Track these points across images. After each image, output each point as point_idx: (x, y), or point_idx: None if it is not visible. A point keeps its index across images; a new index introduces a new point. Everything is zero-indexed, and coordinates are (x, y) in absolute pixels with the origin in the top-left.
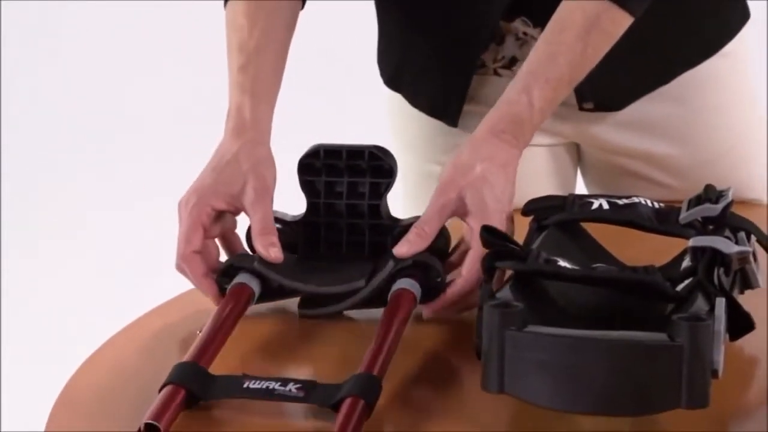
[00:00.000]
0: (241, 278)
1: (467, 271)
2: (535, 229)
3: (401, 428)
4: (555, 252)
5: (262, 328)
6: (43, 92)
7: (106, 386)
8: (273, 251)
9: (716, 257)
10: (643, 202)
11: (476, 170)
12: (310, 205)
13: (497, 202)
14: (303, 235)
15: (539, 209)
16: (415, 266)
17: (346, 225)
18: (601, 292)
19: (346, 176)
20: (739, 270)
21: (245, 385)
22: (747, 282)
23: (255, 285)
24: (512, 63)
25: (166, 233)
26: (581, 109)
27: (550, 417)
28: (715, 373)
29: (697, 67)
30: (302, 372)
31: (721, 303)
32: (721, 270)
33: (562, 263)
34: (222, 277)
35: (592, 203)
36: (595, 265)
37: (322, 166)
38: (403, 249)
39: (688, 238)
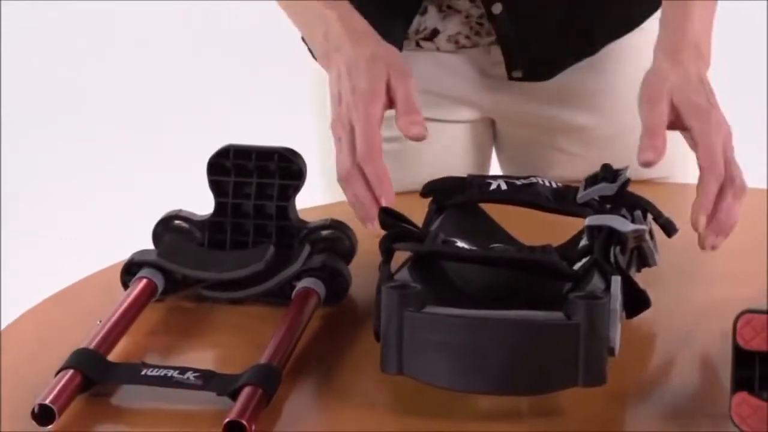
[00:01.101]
0: (143, 273)
1: (709, 161)
2: (434, 211)
3: (299, 414)
4: (454, 233)
5: (167, 316)
6: (41, 88)
7: (3, 371)
8: (414, 128)
9: (612, 236)
10: (541, 182)
11: (676, 75)
12: (218, 205)
13: (702, 97)
14: (210, 235)
15: (438, 191)
16: (323, 269)
17: (253, 226)
18: (499, 272)
19: (255, 177)
20: (635, 248)
21: (143, 373)
22: (644, 260)
23: (158, 279)
24: (434, 35)
25: None
26: (510, 78)
27: (448, 397)
28: (611, 351)
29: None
30: (205, 359)
31: (616, 281)
32: (618, 248)
33: (460, 244)
34: (125, 274)
35: (490, 184)
36: (492, 246)
37: (232, 166)
38: (649, 156)
39: (585, 217)
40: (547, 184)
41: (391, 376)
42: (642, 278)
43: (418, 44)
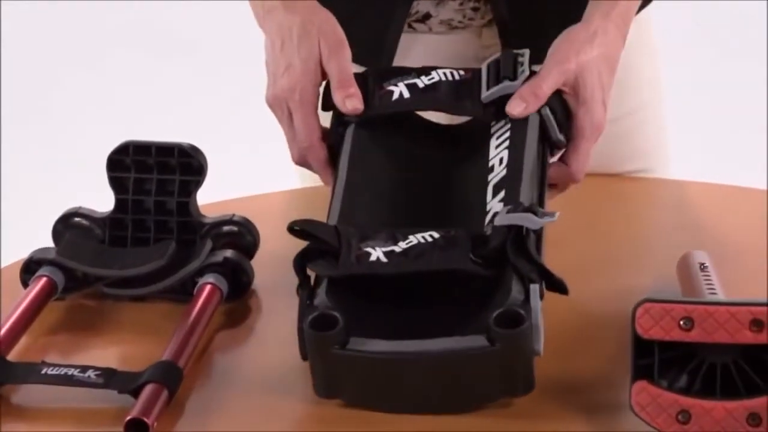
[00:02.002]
0: (43, 271)
1: (574, 164)
2: (338, 125)
3: (202, 410)
4: (365, 169)
5: (68, 314)
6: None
7: None
8: (350, 102)
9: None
10: (444, 78)
11: (594, 53)
12: (118, 202)
13: (601, 92)
14: (110, 232)
15: None
16: (225, 265)
17: (154, 222)
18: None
19: (156, 173)
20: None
21: (43, 372)
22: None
23: (58, 277)
24: (426, 17)
25: None
26: None
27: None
28: (536, 354)
29: None
30: (107, 357)
31: (535, 291)
32: (532, 237)
33: (374, 255)
34: (24, 273)
35: (392, 93)
36: (407, 244)
37: (132, 163)
38: (518, 108)
39: (489, 121)
40: (450, 77)
41: (290, 368)
42: (567, 268)
43: (410, 26)
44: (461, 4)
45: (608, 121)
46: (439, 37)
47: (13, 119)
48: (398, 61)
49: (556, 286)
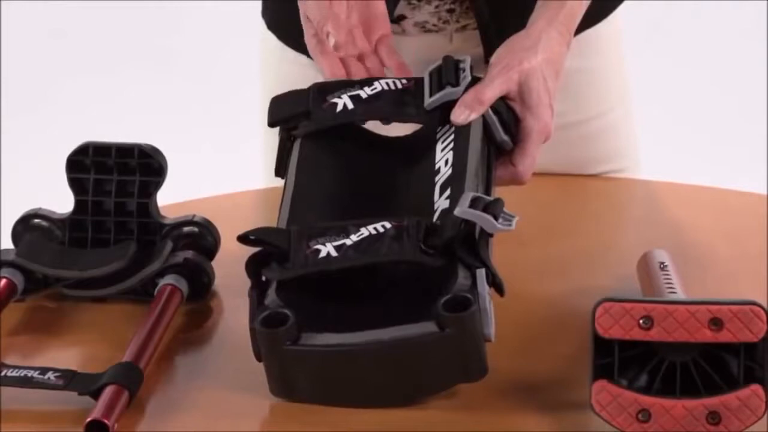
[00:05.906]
0: (2, 272)
1: (521, 165)
2: (286, 139)
3: (162, 412)
4: (313, 176)
5: (28, 315)
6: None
7: None
8: None
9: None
10: (386, 87)
11: (538, 58)
12: (78, 203)
13: (547, 96)
14: (70, 233)
15: (285, 119)
16: (185, 265)
17: (114, 223)
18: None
19: (116, 174)
20: None
21: (2, 373)
22: None
23: (17, 278)
24: (400, 19)
25: None
26: (487, 62)
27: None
28: (487, 339)
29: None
30: (67, 358)
31: (481, 276)
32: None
33: (325, 249)
34: None
35: (336, 104)
36: (359, 236)
37: (91, 164)
38: (462, 116)
39: (434, 127)
40: (393, 86)
41: (250, 368)
42: (530, 267)
43: None
44: (437, 7)
45: (578, 123)
46: (411, 39)
47: (112, 125)
48: None
49: (497, 286)
